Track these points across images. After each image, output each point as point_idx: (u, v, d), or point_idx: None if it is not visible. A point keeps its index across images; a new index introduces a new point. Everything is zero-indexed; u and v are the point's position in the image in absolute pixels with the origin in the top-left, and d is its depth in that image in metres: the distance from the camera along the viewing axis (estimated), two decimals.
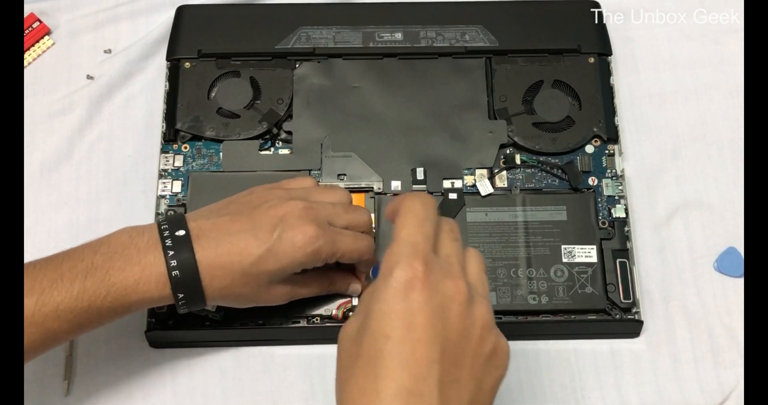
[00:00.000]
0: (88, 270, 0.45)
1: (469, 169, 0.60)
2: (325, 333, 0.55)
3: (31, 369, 0.55)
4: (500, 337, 0.39)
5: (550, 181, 0.60)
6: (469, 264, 0.41)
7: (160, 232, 0.47)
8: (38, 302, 0.44)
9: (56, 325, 0.44)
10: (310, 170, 0.59)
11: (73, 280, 0.44)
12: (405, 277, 0.37)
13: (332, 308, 0.55)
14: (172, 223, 0.47)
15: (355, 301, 0.55)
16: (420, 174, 0.59)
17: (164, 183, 0.59)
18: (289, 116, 0.61)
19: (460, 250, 0.41)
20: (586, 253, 0.57)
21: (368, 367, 0.36)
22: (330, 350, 0.55)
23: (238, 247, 0.47)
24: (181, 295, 0.46)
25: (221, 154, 0.60)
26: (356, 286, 0.55)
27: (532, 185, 0.60)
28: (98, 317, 0.45)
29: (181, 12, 0.65)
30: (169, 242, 0.46)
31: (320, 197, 0.51)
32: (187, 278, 0.46)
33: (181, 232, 0.47)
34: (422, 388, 0.35)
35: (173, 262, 0.46)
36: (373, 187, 0.59)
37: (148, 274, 0.45)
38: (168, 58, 0.64)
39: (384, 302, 0.37)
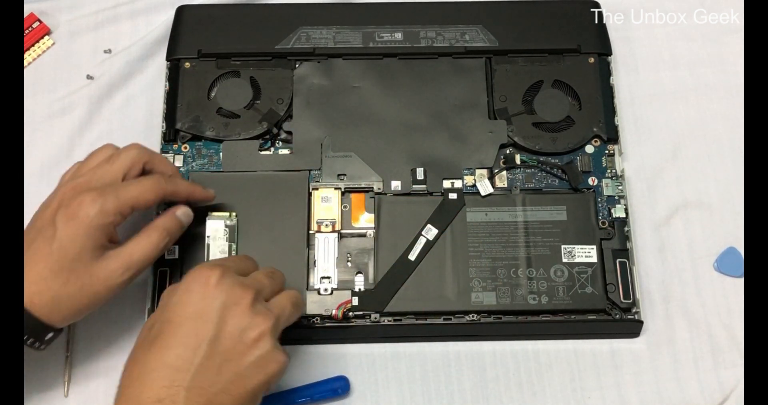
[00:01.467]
0: None
1: (469, 169, 0.60)
2: (325, 333, 0.55)
3: (31, 369, 0.55)
4: (278, 351, 0.45)
5: (550, 181, 0.60)
6: (281, 296, 0.48)
7: None
8: None
9: None
10: (310, 170, 0.59)
11: None
12: (200, 278, 0.44)
13: (332, 308, 0.55)
14: None
15: (354, 299, 0.55)
16: (420, 174, 0.59)
17: None
18: (289, 116, 0.61)
19: (269, 283, 0.48)
20: (586, 253, 0.57)
21: (146, 346, 0.43)
22: (330, 350, 0.56)
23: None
24: None
25: (221, 154, 0.60)
26: (185, 210, 0.53)
27: (532, 185, 0.60)
28: None
29: (181, 12, 0.65)
30: None
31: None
32: None
33: None
34: (183, 363, 0.42)
35: None
36: (373, 187, 0.59)
37: None
38: (168, 58, 0.64)
39: (177, 296, 0.44)
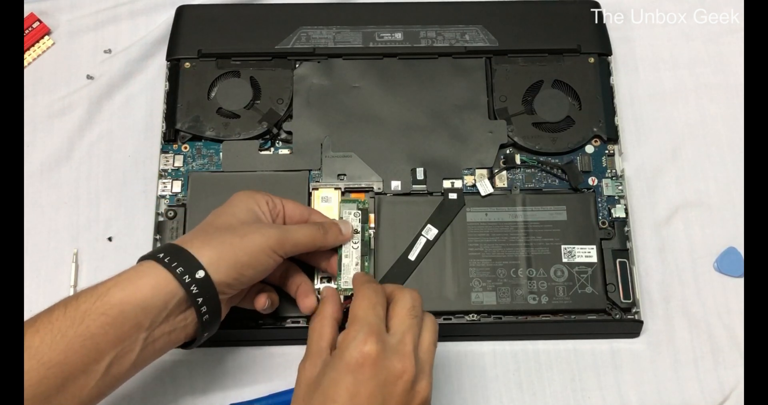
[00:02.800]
0: (79, 294, 0.44)
1: (469, 169, 0.60)
2: None
3: None
4: None
5: (550, 181, 0.60)
6: (424, 334, 0.46)
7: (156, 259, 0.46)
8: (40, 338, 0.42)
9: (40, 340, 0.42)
10: (310, 170, 0.59)
11: (67, 303, 0.43)
12: (358, 353, 0.42)
13: None
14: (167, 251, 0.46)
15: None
16: (420, 174, 0.59)
17: (164, 183, 0.59)
18: (289, 116, 0.61)
19: (417, 326, 0.45)
20: (586, 253, 0.57)
21: None
22: None
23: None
24: (179, 270, 0.44)
25: (221, 154, 0.60)
26: (348, 224, 0.55)
27: (532, 185, 0.60)
28: (82, 322, 0.42)
29: (181, 12, 0.65)
30: (160, 254, 0.46)
31: None
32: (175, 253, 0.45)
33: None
34: None
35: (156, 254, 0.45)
36: (373, 187, 0.59)
37: (142, 274, 0.44)
38: (168, 58, 0.64)
39: (336, 372, 0.42)
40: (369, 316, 0.44)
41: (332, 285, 0.54)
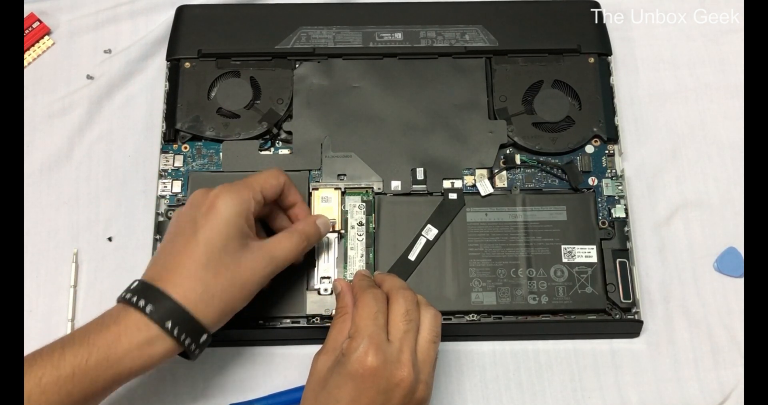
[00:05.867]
0: (66, 341, 0.44)
1: (469, 169, 0.60)
2: (325, 333, 0.55)
3: None
4: None
5: (550, 181, 0.60)
6: (422, 332, 0.47)
7: (125, 300, 0.46)
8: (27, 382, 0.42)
9: (45, 401, 0.42)
10: (310, 170, 0.59)
11: (52, 351, 0.43)
12: (359, 366, 0.44)
13: (332, 308, 0.55)
14: (133, 292, 0.46)
15: None
16: (420, 174, 0.59)
17: (164, 183, 0.59)
18: (289, 116, 0.61)
19: (413, 330, 0.47)
20: (586, 253, 0.57)
21: None
22: None
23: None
24: (170, 324, 0.45)
25: (221, 154, 0.60)
26: (325, 219, 0.54)
27: (532, 185, 0.60)
28: (90, 384, 0.43)
29: (181, 12, 0.65)
30: (133, 297, 0.45)
31: None
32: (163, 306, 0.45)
33: (135, 283, 0.47)
34: None
35: (148, 306, 0.45)
36: (373, 187, 0.59)
37: (127, 324, 0.45)
38: (168, 58, 0.64)
39: (341, 377, 0.45)
40: (370, 327, 0.46)
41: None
